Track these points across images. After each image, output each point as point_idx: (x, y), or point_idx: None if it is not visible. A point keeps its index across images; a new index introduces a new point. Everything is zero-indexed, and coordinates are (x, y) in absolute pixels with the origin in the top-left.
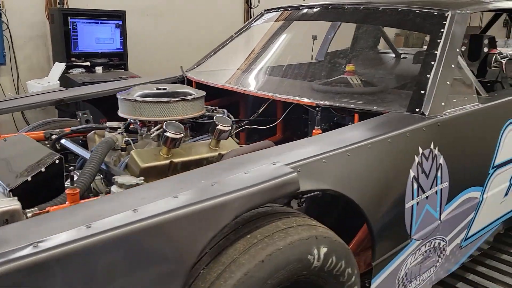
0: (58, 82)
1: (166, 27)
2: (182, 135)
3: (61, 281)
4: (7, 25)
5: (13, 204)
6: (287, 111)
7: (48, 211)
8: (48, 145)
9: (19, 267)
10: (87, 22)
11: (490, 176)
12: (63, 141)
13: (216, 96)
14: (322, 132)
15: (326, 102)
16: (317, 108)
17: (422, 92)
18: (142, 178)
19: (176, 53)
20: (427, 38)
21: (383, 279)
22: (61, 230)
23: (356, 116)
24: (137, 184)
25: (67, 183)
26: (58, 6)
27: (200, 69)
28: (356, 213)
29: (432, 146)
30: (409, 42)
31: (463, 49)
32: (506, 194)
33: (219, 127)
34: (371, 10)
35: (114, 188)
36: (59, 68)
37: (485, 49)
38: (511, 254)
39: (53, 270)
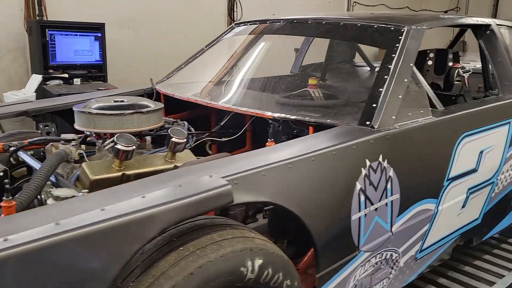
0: (35, 93)
1: (146, 39)
2: (134, 147)
3: None
4: None
5: None
6: (248, 123)
7: None
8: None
9: None
10: (65, 34)
11: (445, 189)
12: (20, 153)
13: (186, 108)
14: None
15: (282, 115)
16: (270, 121)
17: (374, 105)
18: (86, 190)
19: (157, 65)
20: None
21: None
22: None
23: (311, 128)
24: (73, 197)
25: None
26: (37, 18)
27: (171, 81)
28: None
29: (380, 159)
30: None
31: (430, 64)
32: (463, 206)
33: (173, 139)
34: (333, 25)
35: (49, 201)
36: (35, 79)
37: (450, 64)
38: (473, 265)
39: None
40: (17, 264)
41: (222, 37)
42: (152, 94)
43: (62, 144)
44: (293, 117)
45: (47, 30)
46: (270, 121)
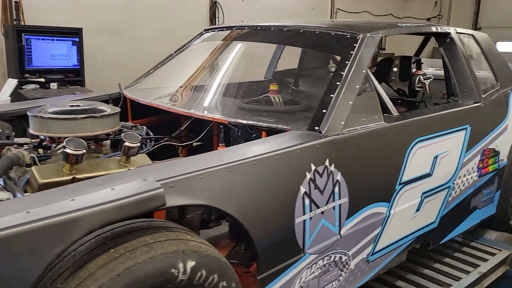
0: (9, 98)
1: (126, 44)
2: (84, 151)
3: None
4: None
5: None
6: (208, 128)
7: None
8: None
9: None
10: (42, 39)
11: (397, 192)
12: None
13: (156, 113)
14: None
15: (237, 120)
16: (220, 126)
17: (324, 111)
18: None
19: (136, 70)
20: None
21: None
22: None
23: (264, 133)
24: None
25: None
26: (15, 22)
27: (140, 86)
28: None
29: (327, 163)
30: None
31: (395, 70)
32: (418, 210)
33: (126, 143)
34: (293, 32)
35: None
36: (11, 84)
37: (413, 70)
38: (432, 268)
39: None
40: None
41: (191, 42)
42: (119, 99)
43: (14, 148)
44: (246, 122)
45: (23, 34)
46: (221, 126)
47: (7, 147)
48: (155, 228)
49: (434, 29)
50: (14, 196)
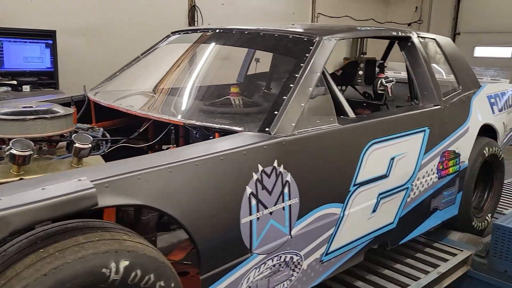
0: None
1: (103, 47)
2: (30, 152)
3: None
4: None
5: None
6: (165, 131)
7: None
8: None
9: None
10: (14, 41)
11: (352, 193)
12: None
13: (121, 116)
14: None
15: (192, 121)
16: (172, 127)
17: (276, 112)
18: None
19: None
20: None
21: None
22: None
23: (217, 134)
24: None
25: None
26: None
27: (107, 89)
28: None
29: (275, 164)
30: None
31: (361, 73)
32: (374, 211)
33: (76, 145)
34: (253, 34)
35: None
36: None
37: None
38: (393, 268)
39: None
40: None
41: (158, 45)
42: (83, 101)
43: None
44: (200, 123)
45: None
46: (172, 127)
47: None
48: (91, 229)
49: (394, 33)
50: None
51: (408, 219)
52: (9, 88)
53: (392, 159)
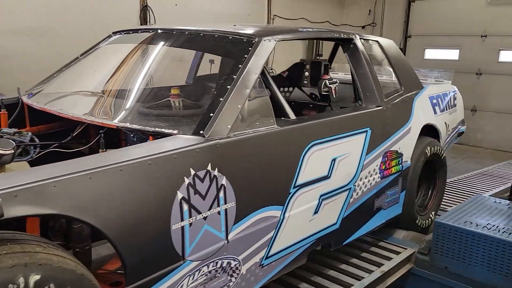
0: None
1: (49, 47)
2: None
3: None
4: None
5: None
6: (101, 134)
7: None
8: None
9: None
10: None
11: (292, 196)
12: None
13: (58, 119)
14: None
15: (125, 124)
16: (100, 131)
17: (211, 115)
18: None
19: None
20: None
21: None
22: None
23: (151, 138)
24: None
25: None
26: None
27: (44, 91)
28: None
29: (209, 168)
30: None
31: (307, 75)
32: (316, 212)
33: None
34: (193, 35)
35: None
36: None
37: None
38: (338, 269)
39: None
40: None
41: (98, 45)
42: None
43: None
44: (134, 126)
45: None
46: (100, 131)
47: None
48: (0, 241)
49: (336, 35)
50: None
51: (352, 220)
52: None
53: (334, 160)
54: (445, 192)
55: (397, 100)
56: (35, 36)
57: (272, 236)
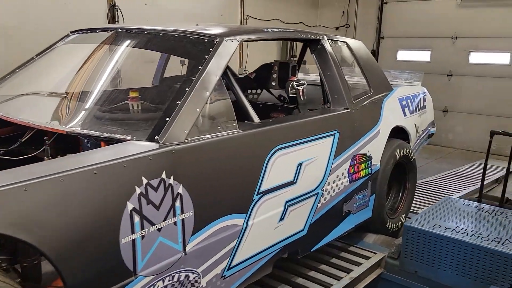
0: None
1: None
2: None
3: None
4: None
5: None
6: (54, 138)
7: None
8: None
9: None
10: None
11: (256, 203)
12: None
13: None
14: None
15: (76, 130)
16: (45, 137)
17: (167, 119)
18: None
19: None
20: None
21: None
22: None
23: (103, 144)
24: None
25: None
26: None
27: None
28: None
29: (164, 176)
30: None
31: (275, 77)
32: (282, 219)
33: None
34: (153, 35)
35: None
36: None
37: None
38: (306, 276)
39: None
40: None
41: (55, 45)
42: None
43: None
44: (85, 131)
45: None
46: (45, 137)
47: None
48: None
49: (303, 35)
50: None
51: (320, 225)
52: None
53: (300, 164)
54: (417, 194)
55: (366, 102)
56: (3, 36)
57: (235, 246)
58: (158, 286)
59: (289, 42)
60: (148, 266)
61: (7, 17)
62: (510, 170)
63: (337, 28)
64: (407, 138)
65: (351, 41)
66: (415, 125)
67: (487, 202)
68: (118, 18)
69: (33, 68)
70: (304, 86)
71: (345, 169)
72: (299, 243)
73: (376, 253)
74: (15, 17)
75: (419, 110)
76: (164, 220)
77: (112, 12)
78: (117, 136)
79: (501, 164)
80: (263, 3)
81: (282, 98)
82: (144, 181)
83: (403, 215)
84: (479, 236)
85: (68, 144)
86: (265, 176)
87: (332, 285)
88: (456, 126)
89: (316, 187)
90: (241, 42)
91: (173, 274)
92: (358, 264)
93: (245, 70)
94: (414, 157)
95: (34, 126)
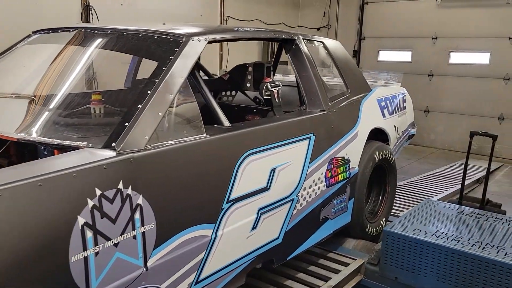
0: None
1: None
2: None
3: None
4: None
5: None
6: (6, 145)
7: None
8: None
9: None
10: None
11: (225, 211)
12: None
13: None
14: None
15: (28, 137)
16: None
17: (126, 124)
18: None
19: None
20: None
21: None
22: None
23: (56, 152)
24: None
25: None
26: None
27: None
28: None
29: (121, 186)
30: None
31: (249, 78)
32: (254, 228)
33: None
34: (116, 34)
35: None
36: None
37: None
38: (283, 286)
39: None
40: None
41: (16, 46)
42: None
43: None
44: (36, 139)
45: None
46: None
47: None
48: None
49: (276, 35)
50: None
51: (296, 233)
52: None
53: (273, 170)
54: (399, 195)
55: (343, 104)
56: None
57: (203, 258)
58: None
59: (270, 42)
60: (103, 284)
61: None
62: (491, 171)
63: (318, 29)
64: (387, 139)
65: (328, 41)
66: (395, 126)
67: (468, 204)
68: (92, 18)
69: None
70: (279, 87)
71: (322, 174)
72: (274, 251)
73: (355, 259)
74: None
75: (398, 111)
76: (122, 234)
77: (86, 12)
78: (72, 143)
79: (482, 164)
80: (244, 4)
81: (258, 100)
82: (98, 192)
83: (384, 219)
84: (459, 241)
85: (32, 152)
86: (236, 183)
87: None
88: (437, 126)
89: (291, 193)
90: (209, 42)
91: None
92: (337, 271)
93: (225, 72)
94: (394, 159)
95: None
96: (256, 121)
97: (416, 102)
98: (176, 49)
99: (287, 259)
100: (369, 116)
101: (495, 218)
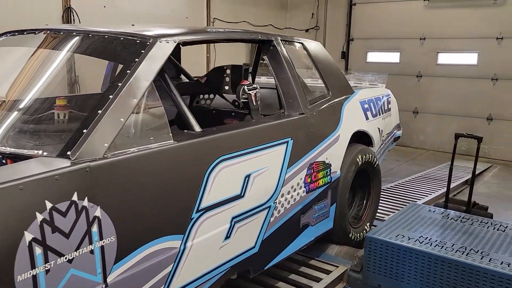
0: None
1: None
2: None
3: None
4: None
5: None
6: None
7: None
8: None
9: None
10: None
11: (195, 221)
12: None
13: None
14: None
15: None
16: None
17: (84, 131)
18: None
19: None
20: None
21: None
22: None
23: (9, 161)
24: None
25: None
26: None
27: None
28: None
29: (75, 198)
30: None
31: (228, 80)
32: (228, 237)
33: None
34: (82, 36)
35: None
36: None
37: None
38: None
39: None
40: None
41: None
42: None
43: None
44: None
45: None
46: None
47: None
48: None
49: (252, 36)
50: None
51: (274, 241)
52: None
53: (248, 176)
54: (386, 198)
55: (323, 106)
56: None
57: (171, 271)
58: None
59: (257, 44)
60: None
61: None
62: (478, 172)
63: (307, 30)
64: (371, 142)
65: (308, 43)
66: (379, 128)
67: (453, 207)
68: (74, 20)
69: None
70: (257, 90)
71: (301, 179)
72: (250, 261)
73: (338, 267)
74: None
75: (383, 113)
76: (77, 249)
77: (68, 14)
78: (25, 152)
79: (471, 165)
80: (231, 5)
81: (236, 103)
82: (48, 205)
83: (368, 224)
84: (443, 246)
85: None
86: (206, 191)
87: None
88: (426, 127)
89: (268, 200)
90: (179, 43)
91: None
92: (318, 279)
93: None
94: (377, 163)
95: None
96: (230, 125)
97: (404, 103)
98: (142, 51)
99: (265, 268)
100: (351, 119)
101: (480, 222)
